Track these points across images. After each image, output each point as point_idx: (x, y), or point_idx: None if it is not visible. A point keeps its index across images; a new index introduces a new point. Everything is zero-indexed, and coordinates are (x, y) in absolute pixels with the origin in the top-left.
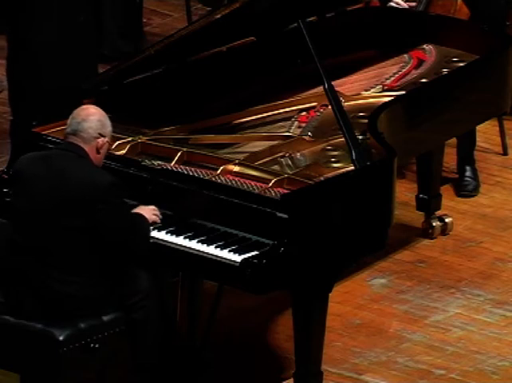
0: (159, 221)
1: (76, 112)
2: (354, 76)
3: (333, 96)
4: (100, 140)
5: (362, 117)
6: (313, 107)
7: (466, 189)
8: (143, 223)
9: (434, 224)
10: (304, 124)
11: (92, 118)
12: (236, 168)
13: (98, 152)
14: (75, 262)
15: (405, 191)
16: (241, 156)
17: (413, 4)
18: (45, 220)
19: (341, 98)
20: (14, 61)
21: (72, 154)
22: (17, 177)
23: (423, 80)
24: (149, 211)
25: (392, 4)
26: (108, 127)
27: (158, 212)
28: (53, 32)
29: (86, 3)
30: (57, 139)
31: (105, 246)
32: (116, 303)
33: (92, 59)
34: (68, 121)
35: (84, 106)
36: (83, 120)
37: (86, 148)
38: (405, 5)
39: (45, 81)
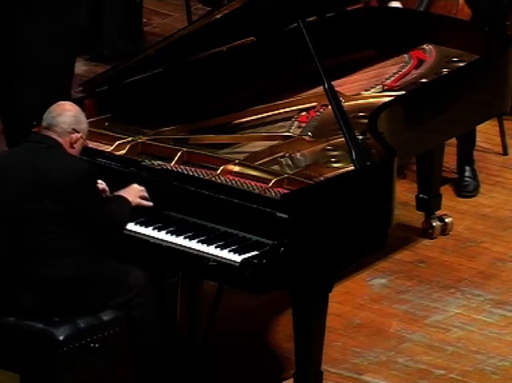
0: (145, 203)
1: (52, 107)
2: (354, 76)
3: (333, 96)
4: (74, 135)
5: (362, 117)
6: (313, 107)
7: (466, 189)
8: (122, 207)
9: (434, 224)
10: (304, 124)
11: (67, 113)
12: (236, 168)
13: (72, 146)
14: (60, 246)
15: (405, 191)
16: (241, 156)
17: None
18: (27, 211)
19: (341, 98)
20: None
21: (44, 145)
22: None
23: (423, 80)
24: (136, 193)
25: (393, 4)
26: (83, 123)
27: (145, 193)
28: (34, 32)
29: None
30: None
31: (85, 228)
32: (109, 290)
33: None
34: (44, 116)
35: (60, 102)
36: (58, 114)
37: (60, 141)
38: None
39: (27, 82)
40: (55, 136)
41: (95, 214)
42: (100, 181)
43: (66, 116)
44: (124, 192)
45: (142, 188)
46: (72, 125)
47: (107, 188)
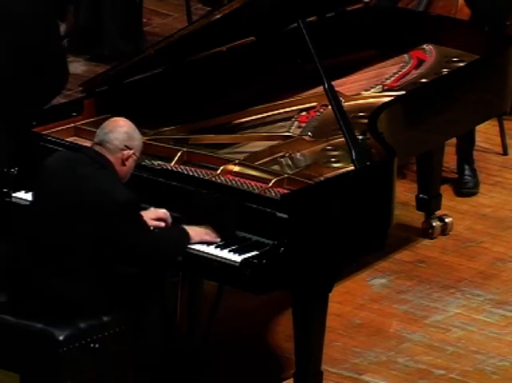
0: (215, 240)
1: (105, 123)
2: (354, 76)
3: (333, 96)
4: (126, 152)
5: (362, 117)
6: (313, 107)
7: (466, 186)
8: (175, 239)
9: (434, 224)
10: (304, 124)
11: (119, 129)
12: (236, 168)
13: (124, 164)
14: (78, 265)
15: (405, 191)
16: (241, 156)
17: None
18: (55, 220)
19: (341, 98)
20: None
21: (96, 163)
22: (42, 173)
23: (423, 80)
24: (200, 232)
25: None
26: (136, 140)
27: (211, 234)
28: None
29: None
30: (58, 139)
31: (110, 256)
32: (116, 304)
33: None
34: (97, 132)
35: (114, 118)
36: (110, 131)
37: (111, 158)
38: None
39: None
40: (107, 154)
41: (135, 243)
42: (163, 210)
43: (118, 132)
44: (189, 228)
45: (208, 229)
46: (124, 142)
47: (169, 217)
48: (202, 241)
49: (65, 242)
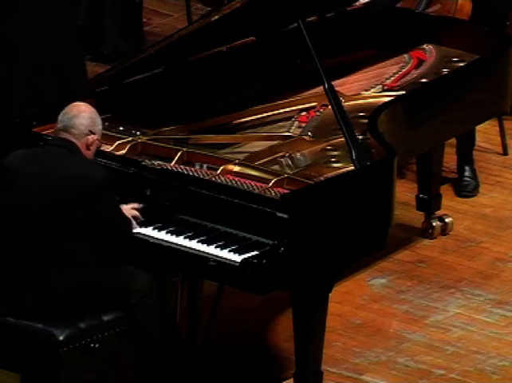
0: (139, 217)
1: (67, 108)
2: (354, 76)
3: (333, 96)
4: (90, 137)
5: (362, 117)
6: (313, 107)
7: (466, 189)
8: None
9: (434, 224)
10: (304, 124)
11: (83, 115)
12: (236, 168)
13: (88, 148)
14: (72, 254)
15: (405, 191)
16: (241, 156)
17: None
18: (41, 215)
19: (341, 98)
20: None
21: (64, 149)
22: (7, 174)
23: (423, 80)
24: (128, 209)
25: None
26: (99, 125)
27: (136, 210)
28: (32, 23)
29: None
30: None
31: (101, 237)
32: (115, 297)
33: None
34: (59, 117)
35: (75, 103)
36: (74, 116)
37: (77, 143)
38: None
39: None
40: (73, 139)
41: (112, 219)
42: (136, 205)
43: (83, 117)
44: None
45: (131, 205)
46: (88, 127)
47: (139, 215)
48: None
49: (51, 234)
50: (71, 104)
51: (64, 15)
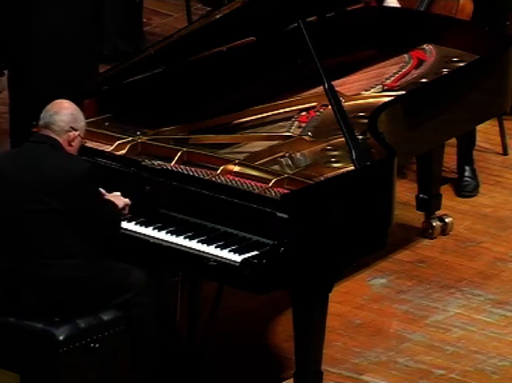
0: (126, 210)
1: (49, 105)
2: (354, 76)
3: (333, 96)
4: (72, 134)
5: (362, 117)
6: (313, 107)
7: (466, 189)
8: (115, 207)
9: (434, 224)
10: (304, 124)
11: (64, 111)
12: (236, 168)
13: (70, 144)
14: (60, 246)
15: (405, 191)
16: (241, 156)
17: None
18: (23, 210)
19: (341, 98)
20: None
21: (45, 145)
22: None
23: (423, 80)
24: (120, 199)
25: (389, 3)
26: (81, 121)
27: (127, 200)
28: (51, 27)
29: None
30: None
31: (86, 229)
32: (109, 290)
33: (92, 54)
34: (42, 115)
35: (57, 100)
36: (55, 113)
37: (59, 139)
38: (398, 4)
39: (44, 78)
40: (53, 135)
41: (96, 211)
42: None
43: (63, 114)
44: (110, 197)
45: (119, 196)
46: (70, 123)
47: (104, 192)
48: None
49: (40, 229)
50: (53, 102)
51: (81, 18)
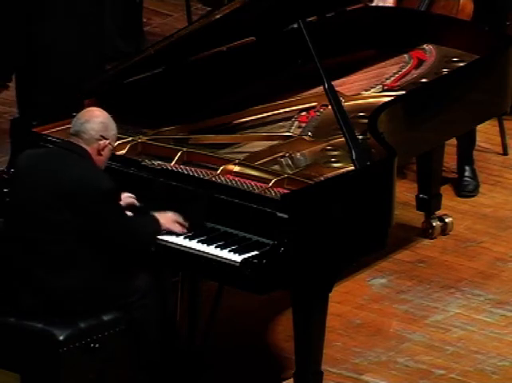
0: (178, 230)
1: (80, 113)
2: (354, 76)
3: (333, 96)
4: (102, 142)
5: (362, 117)
6: (313, 107)
7: (466, 189)
8: (147, 227)
9: (434, 224)
10: (304, 124)
11: (95, 120)
12: (236, 168)
13: (100, 153)
14: (71, 257)
15: (405, 191)
16: (241, 156)
17: None
18: (38, 213)
19: (341, 98)
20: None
21: (72, 153)
22: (15, 172)
23: (423, 80)
24: (170, 218)
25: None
26: (112, 130)
27: (180, 220)
28: (61, 30)
29: (95, 2)
30: (57, 139)
31: (98, 242)
32: (114, 300)
33: (99, 57)
34: (72, 122)
35: (89, 108)
36: (86, 121)
37: (88, 148)
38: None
39: (53, 79)
40: (83, 144)
41: (116, 230)
42: (129, 194)
43: (94, 122)
44: (158, 214)
45: (177, 216)
46: (100, 132)
47: (136, 201)
48: (171, 229)
49: (52, 234)
50: (84, 109)
51: (90, 20)
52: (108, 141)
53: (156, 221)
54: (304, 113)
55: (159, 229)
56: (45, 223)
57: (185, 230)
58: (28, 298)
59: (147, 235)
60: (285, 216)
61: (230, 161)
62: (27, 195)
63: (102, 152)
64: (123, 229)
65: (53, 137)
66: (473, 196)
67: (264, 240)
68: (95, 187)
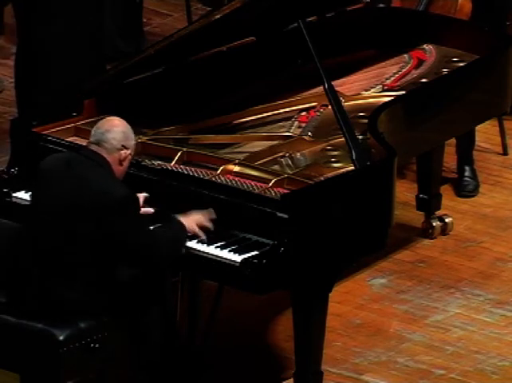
0: (202, 235)
1: (100, 122)
2: (354, 76)
3: (333, 96)
4: (123, 152)
5: (362, 117)
6: (313, 107)
7: (466, 189)
8: (173, 237)
9: (434, 224)
10: (304, 124)
11: (116, 129)
12: (236, 168)
13: (121, 163)
14: (78, 266)
15: (405, 191)
16: (241, 156)
17: None
18: (56, 222)
19: (341, 98)
20: (22, 60)
21: (93, 162)
22: (39, 176)
23: (423, 80)
24: (193, 221)
25: None
26: (132, 140)
27: (206, 222)
28: (62, 31)
29: (95, 3)
30: (58, 139)
31: (110, 257)
32: (116, 305)
33: (99, 57)
34: (92, 131)
35: (109, 117)
36: (106, 130)
37: (108, 158)
38: None
39: (53, 80)
40: (104, 154)
41: (136, 242)
42: (144, 194)
43: (115, 131)
44: (183, 218)
45: (203, 217)
46: (121, 142)
47: (151, 209)
48: (195, 233)
49: (66, 243)
50: (104, 119)
51: (90, 20)
52: (129, 151)
53: (181, 228)
54: (304, 113)
55: (184, 236)
56: (62, 232)
57: (204, 236)
58: (30, 301)
59: (172, 245)
60: (285, 216)
61: (230, 161)
62: (48, 200)
63: (123, 163)
64: (144, 242)
65: (53, 137)
66: (473, 196)
67: (264, 240)
68: (113, 198)
